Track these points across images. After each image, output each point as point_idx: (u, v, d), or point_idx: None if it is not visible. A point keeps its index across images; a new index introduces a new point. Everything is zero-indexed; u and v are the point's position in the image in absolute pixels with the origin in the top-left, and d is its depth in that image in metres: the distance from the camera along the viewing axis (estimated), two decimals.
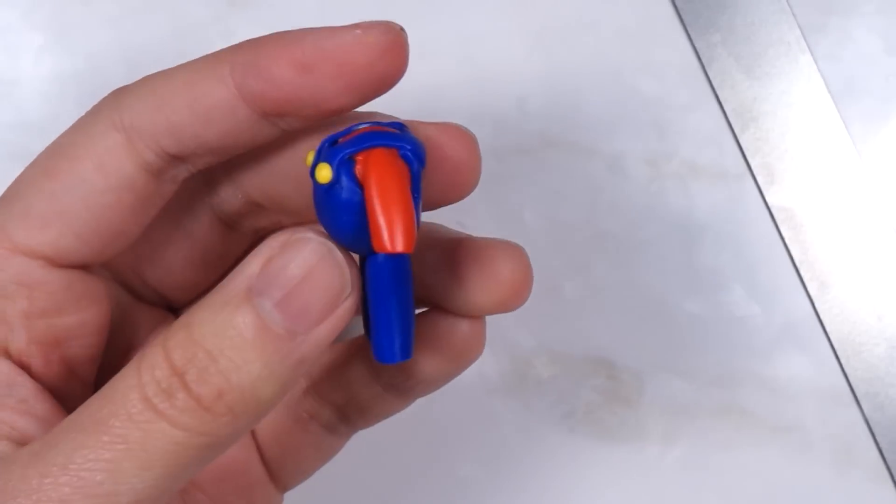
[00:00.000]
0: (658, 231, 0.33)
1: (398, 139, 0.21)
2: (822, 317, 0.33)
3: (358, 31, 0.22)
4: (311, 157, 0.21)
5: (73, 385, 0.24)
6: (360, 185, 0.21)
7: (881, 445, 0.32)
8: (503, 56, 0.33)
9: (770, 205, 0.33)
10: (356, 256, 0.22)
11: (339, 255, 0.21)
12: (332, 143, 0.21)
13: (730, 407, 0.33)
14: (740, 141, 0.33)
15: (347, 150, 0.21)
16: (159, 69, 0.23)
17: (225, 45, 0.23)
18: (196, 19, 0.32)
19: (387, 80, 0.22)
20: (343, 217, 0.21)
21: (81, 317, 0.24)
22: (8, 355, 0.23)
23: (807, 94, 0.33)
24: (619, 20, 0.33)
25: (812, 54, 0.33)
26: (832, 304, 0.33)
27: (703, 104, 0.33)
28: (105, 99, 0.23)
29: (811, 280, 0.32)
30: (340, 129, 0.22)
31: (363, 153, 0.21)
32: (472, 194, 0.24)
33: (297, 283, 0.20)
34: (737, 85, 0.33)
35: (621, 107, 0.33)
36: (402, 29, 0.22)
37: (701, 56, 0.33)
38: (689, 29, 0.33)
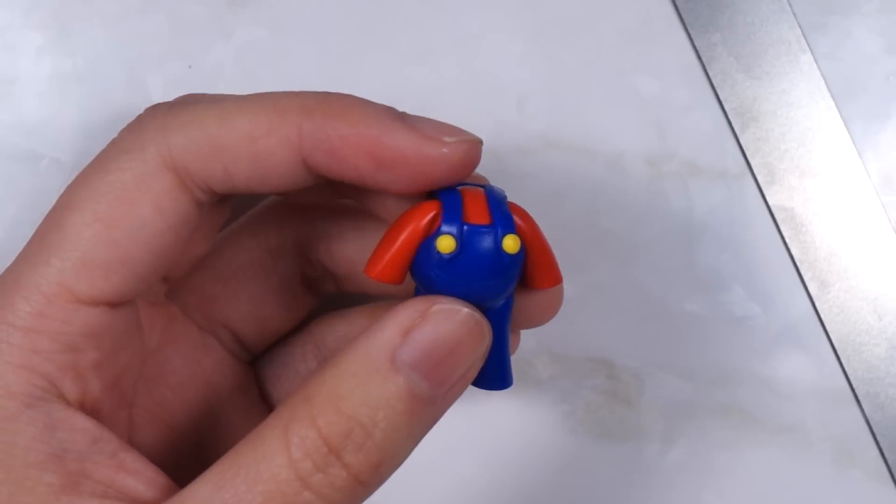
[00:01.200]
0: (658, 231, 0.33)
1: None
2: (822, 317, 0.33)
3: (445, 150, 0.22)
4: (446, 242, 0.22)
5: (121, 411, 0.24)
6: (519, 240, 0.23)
7: (881, 445, 0.32)
8: (503, 56, 0.33)
9: (770, 205, 0.33)
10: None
11: (485, 323, 0.22)
12: (457, 218, 0.22)
13: (730, 407, 0.33)
14: (740, 141, 0.33)
15: (505, 219, 0.23)
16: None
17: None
18: (196, 19, 0.32)
19: (454, 182, 0.23)
20: (486, 271, 0.22)
21: (134, 346, 0.24)
22: (83, 409, 0.23)
23: (807, 94, 0.33)
24: (619, 20, 0.33)
25: (812, 54, 0.33)
26: (832, 304, 0.32)
27: (703, 104, 0.33)
28: (147, 128, 0.23)
29: (811, 280, 0.32)
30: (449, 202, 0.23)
31: (514, 213, 0.23)
32: None
33: (447, 353, 0.21)
34: (737, 85, 0.33)
35: (621, 107, 0.33)
36: (481, 142, 0.23)
37: (701, 56, 0.33)
38: (689, 29, 0.33)
